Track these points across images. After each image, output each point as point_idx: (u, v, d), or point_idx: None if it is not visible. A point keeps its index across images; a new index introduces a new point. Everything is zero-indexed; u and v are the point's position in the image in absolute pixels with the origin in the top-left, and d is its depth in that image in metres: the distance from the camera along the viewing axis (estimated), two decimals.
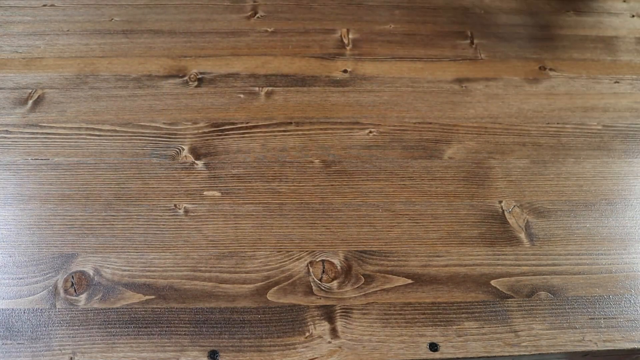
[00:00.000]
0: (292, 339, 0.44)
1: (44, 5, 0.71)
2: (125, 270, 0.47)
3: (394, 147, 0.58)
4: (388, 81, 0.65)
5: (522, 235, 0.51)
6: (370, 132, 0.59)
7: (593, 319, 0.46)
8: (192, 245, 0.49)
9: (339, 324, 0.45)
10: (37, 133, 0.56)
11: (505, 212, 0.53)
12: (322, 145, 0.57)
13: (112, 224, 0.49)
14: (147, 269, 0.47)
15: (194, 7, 0.72)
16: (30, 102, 0.59)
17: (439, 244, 0.50)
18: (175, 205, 0.51)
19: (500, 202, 0.54)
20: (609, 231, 0.52)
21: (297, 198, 0.53)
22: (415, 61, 0.68)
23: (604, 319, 0.46)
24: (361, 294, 0.47)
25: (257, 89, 0.62)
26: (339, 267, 0.48)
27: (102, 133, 0.57)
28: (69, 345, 0.42)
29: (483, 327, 0.45)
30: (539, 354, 0.44)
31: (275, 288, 0.46)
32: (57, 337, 0.43)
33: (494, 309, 0.46)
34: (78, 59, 0.64)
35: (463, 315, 0.46)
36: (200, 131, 0.57)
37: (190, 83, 0.62)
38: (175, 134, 0.57)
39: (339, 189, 0.54)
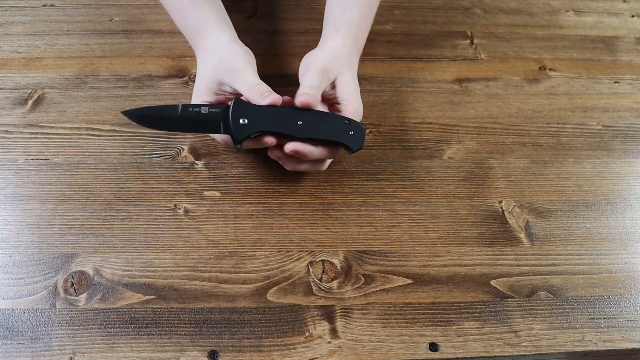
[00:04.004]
0: (292, 339, 0.44)
1: (44, 5, 0.71)
2: (125, 270, 0.47)
3: (394, 147, 0.58)
4: (388, 81, 0.65)
5: (522, 235, 0.51)
6: (370, 132, 0.59)
7: (593, 319, 0.46)
8: (192, 245, 0.49)
9: (339, 324, 0.45)
10: (37, 133, 0.56)
11: (505, 212, 0.53)
12: None
13: (112, 224, 0.50)
14: (147, 269, 0.47)
15: None
16: (30, 102, 0.59)
17: (439, 244, 0.50)
18: (175, 205, 0.51)
19: (500, 202, 0.54)
20: (609, 231, 0.52)
21: (297, 198, 0.53)
22: (415, 61, 0.68)
23: (604, 319, 0.46)
24: (361, 294, 0.47)
25: None
26: (339, 267, 0.48)
27: (102, 133, 0.57)
28: (69, 345, 0.42)
29: (483, 327, 0.45)
30: (539, 354, 0.44)
31: (275, 288, 0.46)
32: (57, 337, 0.43)
33: (494, 309, 0.46)
34: (78, 59, 0.64)
35: (463, 315, 0.46)
36: None
37: (191, 83, 0.62)
38: (175, 134, 0.57)
39: (339, 189, 0.54)
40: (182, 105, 0.49)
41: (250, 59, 0.53)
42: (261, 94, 0.48)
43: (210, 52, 0.53)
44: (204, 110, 0.48)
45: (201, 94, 0.52)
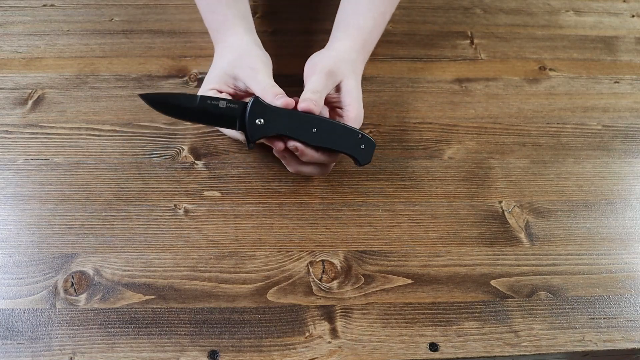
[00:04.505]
0: (292, 339, 0.44)
1: (44, 5, 0.71)
2: (125, 270, 0.47)
3: (394, 147, 0.58)
4: (388, 81, 0.65)
5: (522, 235, 0.51)
6: (370, 132, 0.59)
7: (593, 319, 0.46)
8: (192, 245, 0.49)
9: (339, 324, 0.45)
10: (37, 133, 0.56)
11: (505, 212, 0.53)
12: None
13: (112, 224, 0.50)
14: (147, 269, 0.47)
15: (194, 7, 0.71)
16: (30, 102, 0.59)
17: (439, 244, 0.50)
18: (175, 205, 0.51)
19: (500, 202, 0.54)
20: (609, 231, 0.52)
21: (297, 198, 0.53)
22: (415, 61, 0.68)
23: (604, 319, 0.46)
24: (361, 294, 0.47)
25: None
26: (339, 267, 0.48)
27: (102, 133, 0.57)
28: (69, 345, 0.42)
29: (483, 327, 0.45)
30: (539, 354, 0.44)
31: (275, 288, 0.46)
32: (57, 337, 0.43)
33: (494, 309, 0.46)
34: (78, 59, 0.64)
35: (463, 315, 0.46)
36: (200, 131, 0.57)
37: (190, 83, 0.62)
38: (175, 134, 0.57)
39: (339, 189, 0.54)
40: (201, 96, 0.49)
41: (268, 63, 0.54)
42: (275, 95, 0.48)
43: (232, 47, 0.54)
44: (222, 104, 0.48)
45: (212, 82, 0.53)
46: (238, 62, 0.52)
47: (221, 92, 0.52)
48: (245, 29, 0.56)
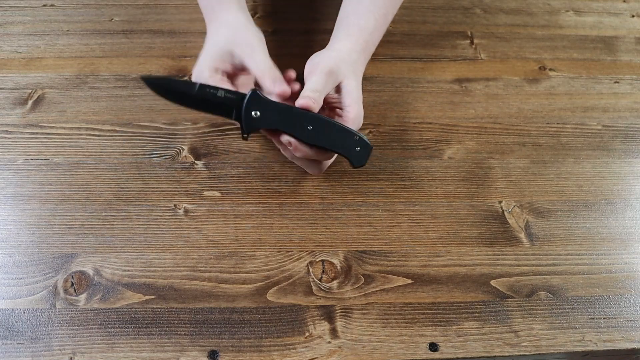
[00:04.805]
0: (292, 339, 0.44)
1: (44, 5, 0.71)
2: (125, 270, 0.47)
3: (394, 147, 0.58)
4: (388, 81, 0.65)
5: (522, 235, 0.51)
6: (370, 132, 0.59)
7: (593, 319, 0.46)
8: (192, 245, 0.49)
9: (339, 324, 0.45)
10: (37, 133, 0.56)
11: (505, 212, 0.53)
12: None
13: (112, 224, 0.50)
14: (147, 269, 0.47)
15: (194, 7, 0.72)
16: (30, 102, 0.59)
17: (439, 244, 0.50)
18: (175, 205, 0.51)
19: (500, 202, 0.54)
20: (609, 231, 0.52)
21: (297, 198, 0.53)
22: (415, 61, 0.68)
23: (604, 319, 0.46)
24: (361, 294, 0.47)
25: None
26: (338, 267, 0.48)
27: (102, 133, 0.57)
28: (69, 345, 0.42)
29: (483, 327, 0.45)
30: (539, 354, 0.44)
31: (275, 288, 0.46)
32: (57, 337, 0.43)
33: (494, 309, 0.46)
34: (78, 59, 0.64)
35: (463, 315, 0.46)
36: (200, 131, 0.57)
37: None
38: (175, 134, 0.57)
39: (339, 189, 0.54)
40: (200, 84, 0.49)
41: (262, 39, 0.54)
42: (274, 80, 0.49)
43: (227, 25, 0.54)
44: (220, 93, 0.49)
45: (208, 60, 0.52)
46: (235, 38, 0.52)
47: (217, 70, 0.52)
48: (241, 7, 0.57)
